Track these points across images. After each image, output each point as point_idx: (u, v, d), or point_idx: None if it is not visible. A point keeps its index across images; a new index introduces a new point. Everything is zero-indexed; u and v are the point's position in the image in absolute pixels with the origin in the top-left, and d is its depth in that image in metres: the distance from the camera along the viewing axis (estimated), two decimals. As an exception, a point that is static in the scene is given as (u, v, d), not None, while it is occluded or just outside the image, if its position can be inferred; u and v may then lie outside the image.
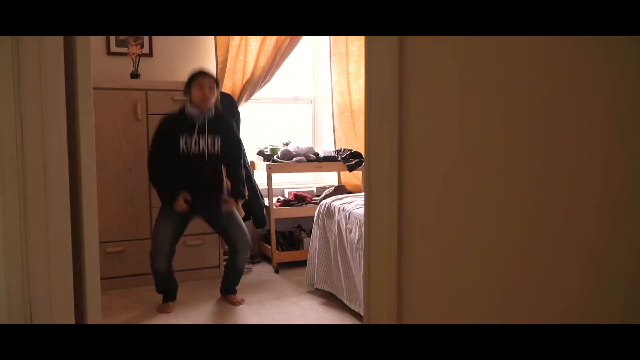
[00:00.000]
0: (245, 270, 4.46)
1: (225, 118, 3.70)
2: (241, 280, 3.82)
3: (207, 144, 3.49)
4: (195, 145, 3.46)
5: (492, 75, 1.41)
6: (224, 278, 3.81)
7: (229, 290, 3.79)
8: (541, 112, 1.30)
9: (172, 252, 3.58)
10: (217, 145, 3.53)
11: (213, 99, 3.50)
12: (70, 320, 1.90)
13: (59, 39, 1.83)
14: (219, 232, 3.84)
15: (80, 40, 1.90)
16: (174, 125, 3.47)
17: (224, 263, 4.38)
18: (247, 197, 3.75)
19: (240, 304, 3.72)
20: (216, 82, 3.55)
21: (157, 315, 3.52)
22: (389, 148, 1.65)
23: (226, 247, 4.34)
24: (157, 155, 3.50)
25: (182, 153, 3.44)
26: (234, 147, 3.70)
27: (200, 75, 3.48)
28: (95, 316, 1.98)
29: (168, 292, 3.65)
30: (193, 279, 4.24)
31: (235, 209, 3.68)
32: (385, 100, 1.65)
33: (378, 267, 1.73)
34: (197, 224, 4.17)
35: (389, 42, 1.61)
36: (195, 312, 3.58)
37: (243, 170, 3.78)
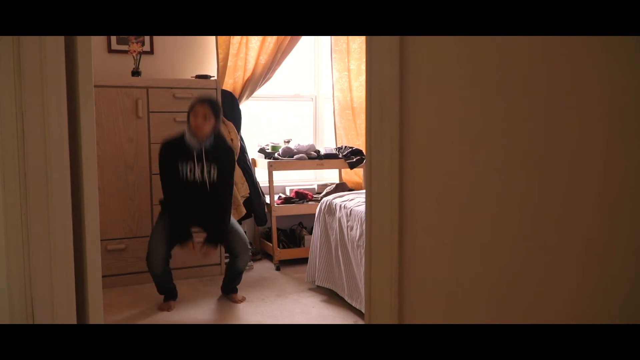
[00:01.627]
0: (247, 267, 4.48)
1: (225, 145, 3.63)
2: (242, 278, 3.82)
3: (204, 172, 3.49)
4: (190, 173, 3.48)
5: (492, 74, 1.41)
6: (225, 279, 3.81)
7: (230, 290, 3.79)
8: (541, 110, 1.30)
9: (168, 256, 3.59)
10: (214, 174, 3.51)
11: (208, 127, 3.44)
12: (72, 318, 1.90)
13: (60, 39, 1.83)
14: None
15: (81, 40, 1.90)
16: (174, 151, 3.49)
17: (226, 261, 4.39)
18: (224, 239, 3.68)
19: (242, 302, 3.73)
20: (214, 109, 3.48)
21: (158, 313, 3.53)
22: (389, 145, 1.65)
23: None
24: (169, 185, 3.54)
25: (185, 180, 3.48)
26: (225, 177, 3.58)
27: (197, 103, 3.47)
28: (97, 315, 1.99)
29: (168, 293, 3.67)
30: (194, 276, 4.25)
31: (236, 228, 3.68)
32: (385, 98, 1.65)
33: (379, 264, 1.73)
34: (198, 222, 4.18)
35: (389, 41, 1.61)
36: (197, 309, 3.59)
37: (229, 200, 3.65)
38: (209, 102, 3.48)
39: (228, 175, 3.60)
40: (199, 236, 3.65)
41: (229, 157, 3.62)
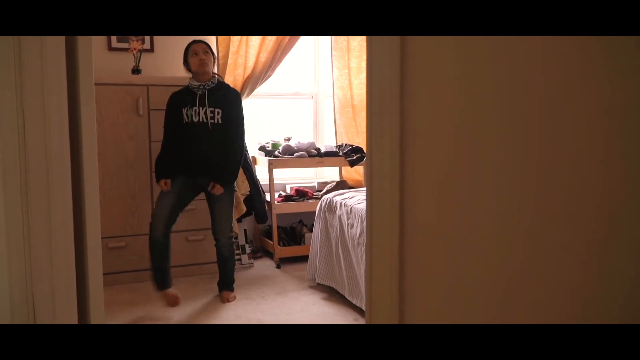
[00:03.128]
0: (247, 265, 4.49)
1: (229, 90, 3.66)
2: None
3: (207, 114, 3.50)
4: (196, 115, 3.50)
5: (491, 73, 1.41)
6: (219, 273, 3.80)
7: (224, 286, 3.76)
8: (540, 109, 1.30)
9: (171, 220, 3.56)
10: (218, 117, 3.53)
11: (210, 63, 3.57)
12: (73, 318, 1.91)
13: (61, 38, 1.83)
14: (210, 212, 3.75)
15: (82, 39, 1.91)
16: (178, 99, 3.58)
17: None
18: (235, 183, 3.68)
19: (230, 301, 3.68)
20: (209, 46, 3.61)
21: (158, 310, 3.53)
22: (390, 144, 1.66)
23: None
24: (167, 133, 3.62)
25: (185, 123, 3.51)
26: (231, 123, 3.56)
27: (192, 44, 3.58)
28: (98, 314, 1.99)
29: (162, 277, 3.54)
30: (194, 274, 4.25)
31: (227, 196, 3.62)
32: (386, 97, 1.65)
33: (380, 263, 1.74)
34: (198, 220, 4.19)
35: (389, 41, 1.61)
36: (196, 307, 3.59)
37: (239, 151, 3.62)
38: (202, 41, 3.60)
39: (235, 119, 3.58)
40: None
41: (232, 102, 3.59)
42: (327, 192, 4.60)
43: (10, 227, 1.84)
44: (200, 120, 3.50)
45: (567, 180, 1.26)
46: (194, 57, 3.53)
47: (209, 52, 3.59)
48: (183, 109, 3.53)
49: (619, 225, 1.18)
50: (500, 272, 1.43)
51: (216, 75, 3.64)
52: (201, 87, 3.53)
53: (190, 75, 3.62)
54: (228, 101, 3.57)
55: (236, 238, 4.49)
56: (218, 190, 3.53)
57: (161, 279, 3.56)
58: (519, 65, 1.34)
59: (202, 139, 3.52)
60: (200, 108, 3.50)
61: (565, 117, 1.26)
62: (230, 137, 3.56)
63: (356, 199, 3.62)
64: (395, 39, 1.60)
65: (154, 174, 4.01)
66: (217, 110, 3.52)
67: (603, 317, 1.22)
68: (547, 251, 1.31)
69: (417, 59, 1.60)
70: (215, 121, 3.52)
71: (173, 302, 3.53)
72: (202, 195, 3.73)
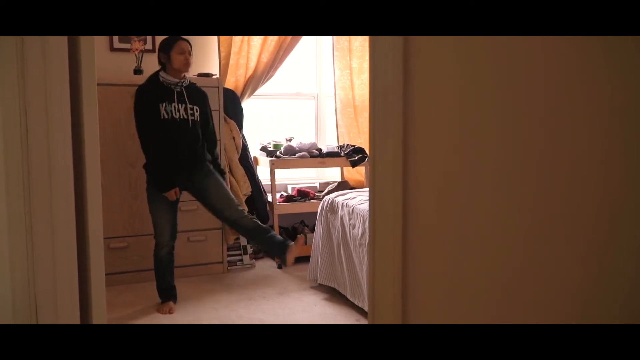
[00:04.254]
0: (249, 265, 4.49)
1: (200, 89, 3.69)
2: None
3: (187, 111, 3.51)
4: (175, 112, 3.47)
5: (494, 73, 1.41)
6: (270, 245, 3.73)
7: (282, 246, 3.68)
8: (541, 110, 1.30)
9: (174, 233, 3.61)
10: (197, 114, 3.56)
11: (191, 63, 3.57)
12: (75, 318, 1.91)
13: (63, 38, 1.84)
14: (207, 207, 3.73)
15: (84, 39, 1.91)
16: (153, 94, 3.46)
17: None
18: (225, 174, 3.82)
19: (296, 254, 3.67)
20: (190, 43, 3.59)
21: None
22: (393, 144, 1.66)
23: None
24: (149, 132, 3.46)
25: (164, 119, 3.44)
26: (208, 121, 3.69)
27: (178, 41, 3.50)
28: (100, 314, 2.00)
29: (168, 289, 3.60)
30: (196, 274, 4.26)
31: (215, 178, 3.65)
32: (389, 97, 1.65)
33: (382, 264, 1.74)
34: (200, 220, 4.19)
35: (392, 41, 1.61)
36: (198, 307, 3.60)
37: (216, 144, 3.80)
38: (187, 40, 3.57)
39: (207, 117, 3.68)
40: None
41: (205, 101, 3.68)
42: (329, 192, 4.60)
43: (12, 227, 1.84)
44: (181, 117, 3.48)
45: (568, 180, 1.26)
46: (180, 55, 3.48)
47: (191, 52, 3.57)
48: (160, 105, 3.43)
49: (619, 226, 1.18)
50: (503, 272, 1.43)
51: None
52: (179, 84, 3.51)
53: (159, 67, 3.54)
54: (201, 99, 3.63)
55: (237, 239, 4.49)
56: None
57: (166, 296, 3.60)
58: (520, 65, 1.35)
59: (186, 136, 3.52)
60: (180, 105, 3.48)
61: (565, 117, 1.26)
62: (209, 132, 3.68)
63: (358, 200, 3.62)
64: (398, 39, 1.60)
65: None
66: (195, 107, 3.54)
67: (603, 317, 1.22)
68: (549, 251, 1.32)
69: (420, 58, 1.60)
70: (195, 118, 3.54)
71: (167, 311, 3.53)
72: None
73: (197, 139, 3.57)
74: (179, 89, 3.50)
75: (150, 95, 3.45)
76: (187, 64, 3.50)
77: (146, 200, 3.65)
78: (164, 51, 3.50)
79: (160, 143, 3.45)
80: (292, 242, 3.69)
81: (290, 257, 3.65)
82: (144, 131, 3.46)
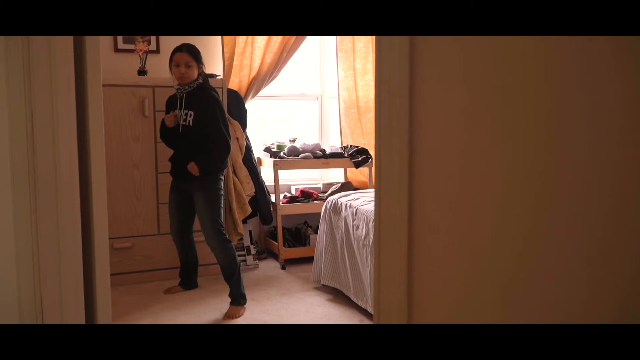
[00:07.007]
0: (252, 266, 4.49)
1: (205, 93, 3.49)
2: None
3: (181, 117, 3.50)
4: (179, 118, 3.51)
5: (499, 73, 1.41)
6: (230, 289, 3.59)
7: (231, 296, 3.54)
8: (548, 109, 1.30)
9: (183, 229, 3.71)
10: (190, 119, 3.47)
11: (193, 73, 3.45)
12: (80, 318, 1.91)
13: (69, 38, 1.84)
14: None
15: (89, 39, 1.91)
16: (169, 103, 3.66)
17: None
18: (209, 171, 3.46)
19: (231, 318, 3.41)
20: (194, 54, 3.45)
21: (163, 311, 3.54)
22: (399, 145, 1.65)
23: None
24: (160, 129, 3.69)
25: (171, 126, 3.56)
26: (207, 124, 3.42)
27: (175, 53, 3.47)
28: (105, 315, 2.00)
29: (184, 276, 3.88)
30: (200, 275, 4.25)
31: (203, 197, 3.47)
32: (395, 97, 1.65)
33: (388, 265, 1.73)
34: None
35: (399, 40, 1.61)
36: (202, 307, 3.60)
37: (219, 147, 3.45)
38: (187, 49, 3.46)
39: (210, 121, 3.41)
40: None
41: (205, 104, 3.44)
42: (332, 193, 4.59)
43: (18, 228, 1.84)
44: (181, 123, 3.49)
45: (575, 181, 1.26)
46: (176, 68, 3.44)
47: (193, 62, 3.44)
48: (172, 112, 3.56)
49: (628, 224, 1.18)
50: (509, 273, 1.43)
51: (199, 79, 3.50)
52: (183, 90, 3.49)
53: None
54: (202, 104, 3.45)
55: (241, 239, 4.49)
56: (192, 167, 3.40)
57: (183, 277, 3.90)
58: (527, 65, 1.34)
59: (178, 142, 3.55)
60: (180, 111, 3.50)
61: (571, 118, 1.25)
62: (211, 137, 3.43)
63: (361, 201, 3.62)
64: (404, 39, 1.60)
65: (159, 175, 4.05)
66: (190, 112, 3.46)
67: (613, 318, 1.21)
68: (557, 253, 1.31)
69: (426, 59, 1.60)
70: (187, 123, 3.46)
71: (170, 290, 3.83)
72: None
73: (188, 146, 3.48)
74: (181, 95, 3.50)
75: (168, 103, 3.67)
76: (181, 77, 3.43)
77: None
78: (169, 62, 3.52)
79: (170, 144, 3.67)
80: (233, 307, 3.47)
81: (228, 312, 3.46)
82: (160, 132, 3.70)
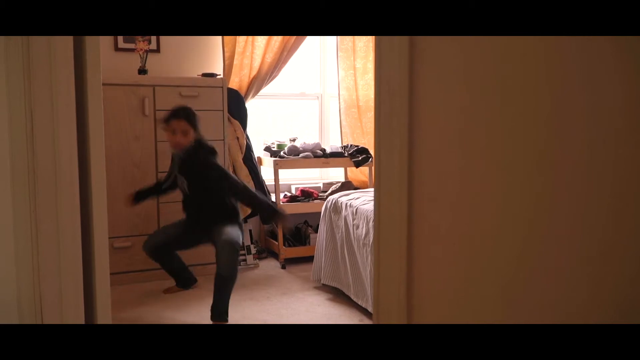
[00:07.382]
0: (252, 266, 4.49)
1: (199, 154, 3.34)
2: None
3: (179, 180, 3.50)
4: (180, 183, 3.51)
5: (498, 73, 1.41)
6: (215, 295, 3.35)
7: (213, 314, 3.29)
8: (548, 108, 1.30)
9: (167, 249, 3.65)
10: (184, 186, 3.46)
11: (187, 141, 3.31)
12: (80, 318, 1.91)
13: (69, 38, 1.84)
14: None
15: (89, 39, 1.91)
16: (173, 162, 3.63)
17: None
18: (276, 209, 3.48)
19: None
20: (190, 120, 3.30)
21: (164, 310, 3.54)
22: (399, 144, 1.65)
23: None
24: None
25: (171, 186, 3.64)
26: (216, 181, 3.33)
27: (172, 119, 3.31)
28: (104, 314, 2.00)
29: (177, 280, 3.85)
30: (198, 274, 4.24)
31: (227, 229, 3.36)
32: (395, 97, 1.65)
33: (387, 265, 1.73)
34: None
35: (399, 40, 1.61)
36: (202, 307, 3.59)
37: (248, 191, 3.47)
38: (185, 116, 3.30)
39: (218, 177, 3.34)
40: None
41: (204, 167, 3.34)
42: (333, 192, 4.59)
43: (18, 227, 1.84)
44: (181, 184, 3.50)
45: (575, 181, 1.26)
46: (171, 135, 3.31)
47: (190, 129, 3.30)
48: (174, 173, 3.57)
49: (628, 225, 1.17)
50: (508, 273, 1.43)
51: (193, 143, 3.33)
52: (177, 156, 3.46)
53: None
54: (192, 166, 3.37)
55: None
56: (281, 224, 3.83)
57: (177, 280, 3.86)
58: (527, 65, 1.34)
59: (189, 205, 3.54)
60: (179, 176, 3.49)
61: (570, 118, 1.25)
62: (233, 191, 3.36)
63: (362, 200, 3.61)
64: (403, 39, 1.60)
65: (160, 175, 4.04)
66: (182, 179, 3.45)
67: (613, 318, 1.21)
68: (557, 253, 1.31)
69: (426, 58, 1.60)
70: (184, 190, 3.49)
71: (167, 290, 3.81)
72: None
73: (193, 207, 3.49)
74: (177, 160, 3.49)
75: (172, 161, 3.63)
76: (176, 146, 3.34)
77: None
78: (163, 123, 3.37)
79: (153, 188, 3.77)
80: (226, 322, 3.28)
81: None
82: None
